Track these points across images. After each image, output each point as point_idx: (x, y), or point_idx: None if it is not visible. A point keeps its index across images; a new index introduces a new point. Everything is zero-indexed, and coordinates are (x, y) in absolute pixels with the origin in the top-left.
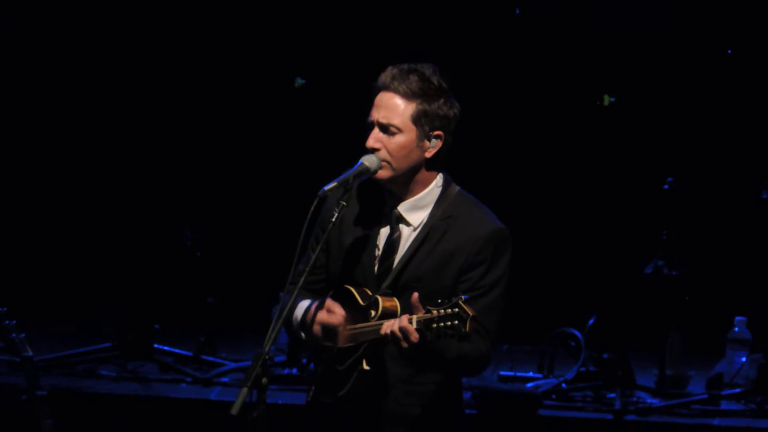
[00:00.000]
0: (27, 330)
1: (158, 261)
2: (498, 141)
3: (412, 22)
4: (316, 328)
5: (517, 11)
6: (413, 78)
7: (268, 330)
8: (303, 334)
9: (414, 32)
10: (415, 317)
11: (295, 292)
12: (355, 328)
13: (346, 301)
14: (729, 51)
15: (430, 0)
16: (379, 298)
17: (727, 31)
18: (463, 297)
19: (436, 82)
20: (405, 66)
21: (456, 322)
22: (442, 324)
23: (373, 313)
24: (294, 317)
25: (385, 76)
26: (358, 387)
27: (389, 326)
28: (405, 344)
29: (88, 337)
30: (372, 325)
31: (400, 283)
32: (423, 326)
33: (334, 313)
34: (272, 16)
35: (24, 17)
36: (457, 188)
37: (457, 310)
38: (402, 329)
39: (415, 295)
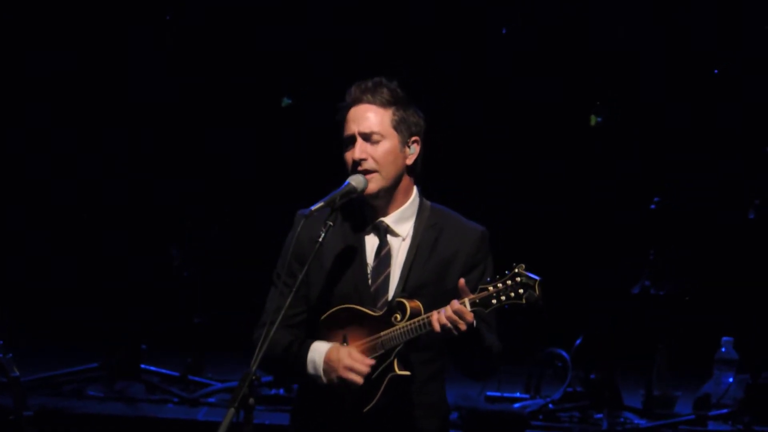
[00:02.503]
0: (13, 350)
1: (145, 281)
2: (485, 161)
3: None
4: (341, 376)
5: (504, 30)
6: (383, 89)
7: (255, 350)
8: (324, 380)
9: (403, 46)
10: (467, 299)
11: (273, 330)
12: (380, 336)
13: (348, 319)
14: (715, 71)
15: (419, 15)
16: (404, 301)
17: (713, 51)
18: (522, 265)
19: (402, 92)
20: (370, 81)
21: (521, 290)
22: (503, 297)
23: (398, 316)
24: (294, 361)
25: (354, 92)
26: (387, 396)
27: (441, 315)
28: (463, 326)
29: (75, 357)
30: (404, 326)
31: (406, 291)
32: (480, 305)
33: (357, 369)
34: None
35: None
36: (427, 201)
37: (519, 279)
38: (457, 312)
39: (462, 280)
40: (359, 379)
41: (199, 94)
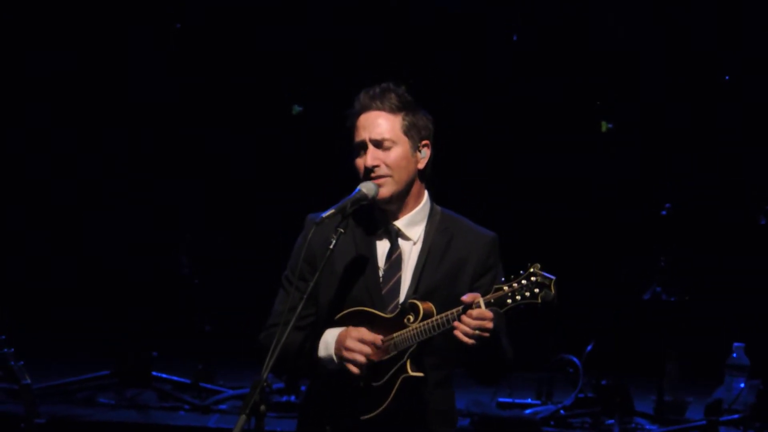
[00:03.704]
0: (25, 357)
1: (156, 289)
2: (496, 166)
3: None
4: (350, 348)
5: (515, 38)
6: (391, 95)
7: (262, 353)
8: (336, 361)
9: (411, 53)
10: (481, 299)
11: (287, 330)
12: (393, 338)
13: (359, 322)
14: (726, 77)
15: (419, 15)
16: (417, 302)
17: (713, 51)
18: (537, 264)
19: (409, 97)
20: (378, 87)
21: (537, 290)
22: (519, 296)
23: (411, 318)
24: (307, 351)
25: (363, 99)
26: (398, 400)
27: (463, 326)
28: (490, 324)
29: (87, 364)
30: (418, 327)
31: (418, 294)
32: (495, 305)
33: (365, 341)
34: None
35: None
36: (438, 206)
37: (535, 279)
38: (479, 317)
39: (466, 295)
40: (369, 353)
41: (199, 94)
